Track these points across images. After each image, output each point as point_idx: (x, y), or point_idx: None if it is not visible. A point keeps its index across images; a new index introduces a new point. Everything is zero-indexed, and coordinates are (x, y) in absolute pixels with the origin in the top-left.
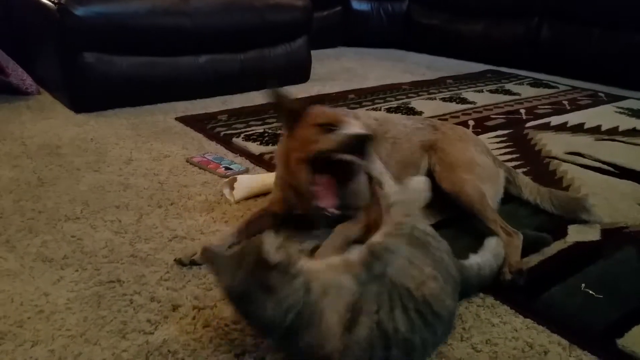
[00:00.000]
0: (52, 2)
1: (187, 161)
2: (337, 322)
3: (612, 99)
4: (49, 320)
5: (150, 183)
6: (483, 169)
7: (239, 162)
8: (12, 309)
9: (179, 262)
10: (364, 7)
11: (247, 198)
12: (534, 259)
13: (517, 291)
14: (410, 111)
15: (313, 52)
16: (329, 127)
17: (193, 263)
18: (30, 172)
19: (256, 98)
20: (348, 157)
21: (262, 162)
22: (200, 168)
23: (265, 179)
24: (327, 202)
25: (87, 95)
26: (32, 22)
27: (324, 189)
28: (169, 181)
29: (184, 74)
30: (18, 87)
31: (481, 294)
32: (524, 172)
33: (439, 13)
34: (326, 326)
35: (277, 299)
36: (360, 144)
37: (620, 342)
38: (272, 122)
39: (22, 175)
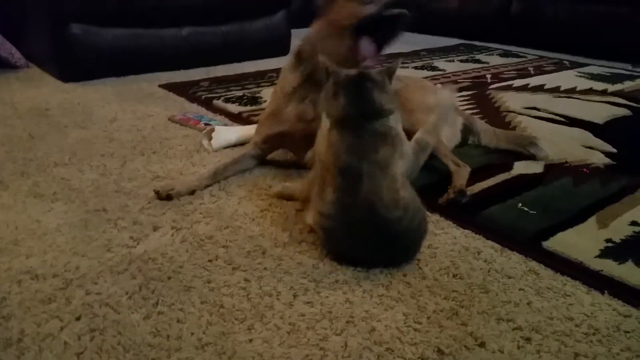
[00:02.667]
0: None
1: (169, 119)
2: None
3: (575, 65)
4: (40, 239)
5: (134, 137)
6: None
7: (219, 119)
8: (7, 232)
9: (157, 194)
10: None
11: (224, 147)
12: (477, 187)
13: (460, 210)
14: None
15: (295, 31)
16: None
17: (169, 198)
18: (21, 129)
19: (238, 68)
20: (397, 11)
21: (240, 119)
22: (181, 125)
23: (242, 130)
24: (373, 60)
25: (75, 65)
26: None
27: (371, 49)
28: (152, 135)
29: (168, 45)
30: (7, 60)
31: (428, 213)
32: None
33: None
34: (395, 176)
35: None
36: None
37: (545, 244)
38: (251, 87)
39: (14, 132)
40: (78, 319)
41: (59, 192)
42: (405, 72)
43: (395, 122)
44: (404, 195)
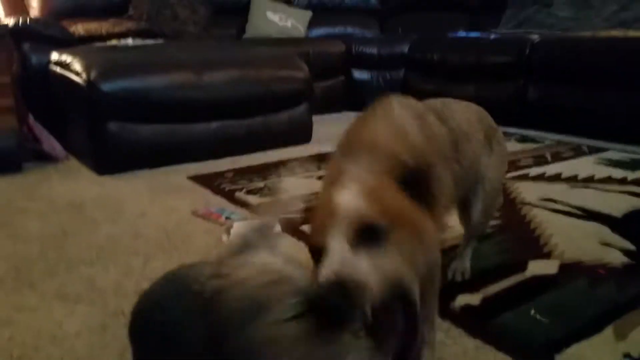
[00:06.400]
0: (82, 79)
1: (193, 213)
2: None
3: (594, 151)
4: (60, 345)
5: (159, 233)
6: None
7: (240, 212)
8: (30, 337)
9: None
10: (365, 76)
11: None
12: (491, 289)
13: (472, 317)
14: None
15: (319, 117)
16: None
17: None
18: (56, 225)
19: (262, 157)
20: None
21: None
22: (204, 219)
23: None
24: None
25: (110, 159)
26: (65, 97)
27: None
28: (175, 231)
29: (197, 138)
30: (49, 154)
31: (439, 319)
32: (495, 218)
33: (433, 79)
34: None
35: None
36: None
37: (558, 357)
38: (272, 178)
39: (48, 228)
40: None
41: (82, 293)
42: None
43: None
44: None
